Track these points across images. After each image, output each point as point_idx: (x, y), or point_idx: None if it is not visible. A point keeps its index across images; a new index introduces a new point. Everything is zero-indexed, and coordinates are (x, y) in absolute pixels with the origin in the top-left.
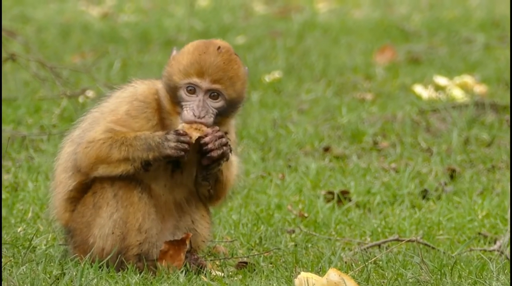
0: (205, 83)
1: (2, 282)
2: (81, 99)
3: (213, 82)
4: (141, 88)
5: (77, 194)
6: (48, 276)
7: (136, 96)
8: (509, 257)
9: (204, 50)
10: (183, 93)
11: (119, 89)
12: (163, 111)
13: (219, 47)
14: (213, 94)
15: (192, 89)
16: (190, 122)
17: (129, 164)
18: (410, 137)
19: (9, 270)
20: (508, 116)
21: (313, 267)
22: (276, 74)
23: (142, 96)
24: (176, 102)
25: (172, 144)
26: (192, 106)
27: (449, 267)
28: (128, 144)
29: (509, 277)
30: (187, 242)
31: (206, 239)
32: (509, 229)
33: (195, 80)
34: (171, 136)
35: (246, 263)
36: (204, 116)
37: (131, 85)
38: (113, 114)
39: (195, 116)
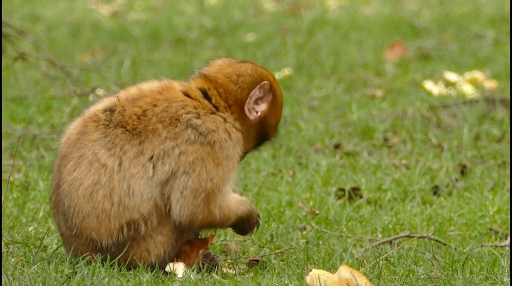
0: None
1: (14, 281)
2: (91, 97)
3: None
4: (226, 125)
5: (139, 216)
6: (60, 275)
7: (225, 136)
8: None
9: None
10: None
11: (192, 125)
12: None
13: None
14: None
15: None
16: None
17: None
18: (421, 133)
19: (21, 269)
20: None
21: (325, 264)
22: (286, 71)
23: (233, 133)
24: (257, 141)
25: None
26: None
27: (461, 263)
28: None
29: None
30: (210, 243)
31: None
32: (509, 229)
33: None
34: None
35: (257, 260)
36: None
37: (211, 120)
38: (217, 163)
39: None
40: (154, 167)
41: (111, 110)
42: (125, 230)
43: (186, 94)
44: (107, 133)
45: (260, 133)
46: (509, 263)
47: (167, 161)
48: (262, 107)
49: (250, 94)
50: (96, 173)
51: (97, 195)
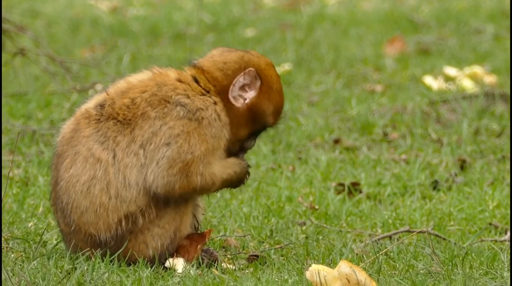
0: None
1: (14, 277)
2: (91, 93)
3: None
4: (216, 107)
5: (137, 208)
6: (60, 270)
7: (215, 116)
8: None
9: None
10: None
11: (181, 103)
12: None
13: None
14: None
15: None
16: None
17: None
18: (420, 128)
19: (20, 265)
20: None
21: (324, 259)
22: (286, 67)
23: (222, 116)
24: (250, 128)
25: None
26: (256, 139)
27: (460, 258)
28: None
29: None
30: (208, 237)
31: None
32: (509, 223)
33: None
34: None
35: (257, 256)
36: None
37: (200, 100)
38: (202, 139)
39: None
40: (144, 152)
41: (101, 105)
42: (123, 223)
43: (178, 80)
44: (99, 128)
45: (253, 121)
46: (509, 257)
47: (154, 140)
48: (250, 94)
49: (234, 81)
50: (92, 168)
51: (94, 190)
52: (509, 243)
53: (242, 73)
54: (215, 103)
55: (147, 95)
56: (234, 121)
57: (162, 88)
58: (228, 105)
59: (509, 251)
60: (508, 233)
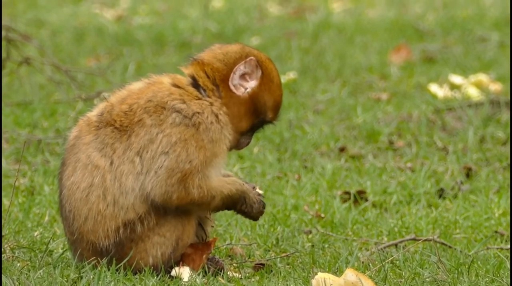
0: None
1: None
2: (96, 102)
3: None
4: (213, 108)
5: (135, 215)
6: (65, 279)
7: (212, 119)
8: None
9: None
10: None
11: (176, 109)
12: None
13: None
14: None
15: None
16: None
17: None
18: (426, 136)
19: (26, 274)
20: None
21: (330, 267)
22: (291, 75)
23: (220, 116)
24: (251, 120)
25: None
26: (251, 136)
27: (466, 266)
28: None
29: None
30: (213, 246)
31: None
32: (509, 229)
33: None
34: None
35: (263, 264)
36: None
37: (197, 103)
38: (200, 146)
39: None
40: (141, 160)
41: (102, 112)
42: (121, 230)
43: (174, 85)
44: (98, 135)
45: (254, 113)
46: (510, 264)
47: (151, 147)
48: (252, 83)
49: (234, 69)
50: (90, 175)
51: (92, 197)
52: None
53: (243, 61)
54: (211, 104)
55: (142, 102)
56: (235, 112)
57: (157, 94)
58: (229, 94)
59: (510, 258)
60: None
